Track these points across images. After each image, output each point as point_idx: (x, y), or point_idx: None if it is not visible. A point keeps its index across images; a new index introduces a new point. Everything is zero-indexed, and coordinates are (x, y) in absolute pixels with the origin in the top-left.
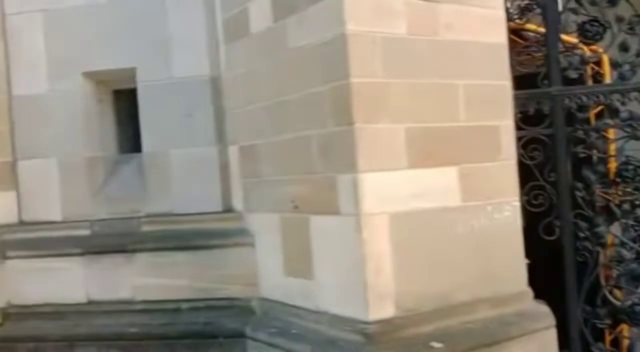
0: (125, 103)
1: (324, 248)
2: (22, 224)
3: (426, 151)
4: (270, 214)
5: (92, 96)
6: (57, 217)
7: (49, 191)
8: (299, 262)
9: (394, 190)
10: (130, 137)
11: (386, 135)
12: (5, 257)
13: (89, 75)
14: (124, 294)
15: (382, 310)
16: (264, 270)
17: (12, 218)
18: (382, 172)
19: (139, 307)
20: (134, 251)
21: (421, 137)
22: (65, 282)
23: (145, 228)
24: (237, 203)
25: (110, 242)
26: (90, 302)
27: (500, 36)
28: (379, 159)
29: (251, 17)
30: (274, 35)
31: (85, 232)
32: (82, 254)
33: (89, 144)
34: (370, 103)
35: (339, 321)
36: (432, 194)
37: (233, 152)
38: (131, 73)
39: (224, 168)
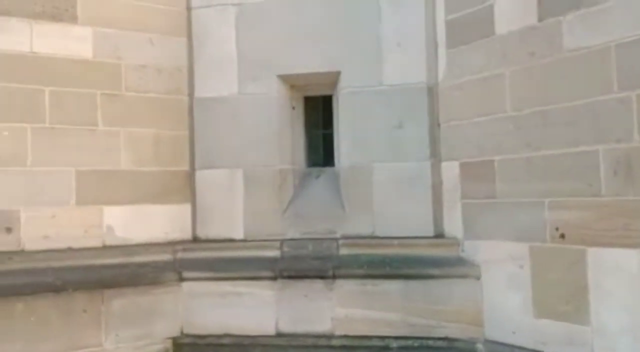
0: (314, 111)
1: (612, 288)
2: (196, 241)
3: None
4: (511, 243)
5: (286, 102)
6: (239, 235)
7: (231, 206)
8: (565, 302)
9: None
10: (317, 149)
11: None
12: (182, 279)
13: (284, 78)
14: (321, 326)
15: None
16: (495, 308)
17: (185, 234)
18: None
19: (338, 342)
20: (335, 276)
21: None
22: (250, 309)
23: (344, 251)
24: (452, 228)
25: (306, 265)
26: (280, 335)
27: None
28: None
29: (497, 15)
30: (537, 35)
31: (274, 253)
32: (272, 278)
33: (279, 155)
34: None
35: None
36: None
37: (449, 169)
38: (332, 78)
39: (437, 187)
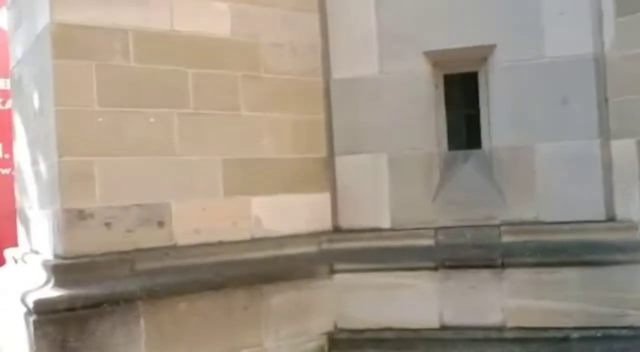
0: (455, 90)
1: None
2: (338, 231)
3: None
4: None
5: (429, 80)
6: (385, 223)
7: (376, 193)
8: None
9: None
10: (458, 131)
11: None
12: (333, 271)
13: (429, 54)
14: (491, 318)
15: None
16: None
17: (325, 224)
18: None
19: (511, 334)
20: (504, 265)
21: None
22: (411, 302)
23: (508, 238)
24: (625, 210)
25: (469, 255)
26: (445, 328)
27: None
28: None
29: None
30: None
31: (428, 242)
32: (432, 269)
33: (426, 138)
34: None
35: None
36: None
37: (621, 147)
38: (483, 53)
39: (606, 167)
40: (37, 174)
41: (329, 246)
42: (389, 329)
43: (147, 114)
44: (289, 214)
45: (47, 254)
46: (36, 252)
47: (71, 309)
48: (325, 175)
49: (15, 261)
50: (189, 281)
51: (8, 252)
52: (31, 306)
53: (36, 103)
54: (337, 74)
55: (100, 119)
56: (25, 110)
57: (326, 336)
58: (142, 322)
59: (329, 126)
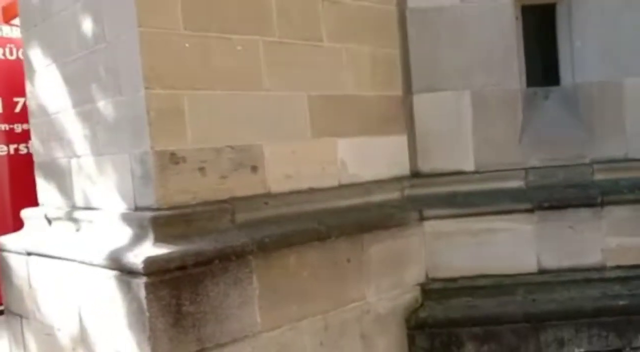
0: (533, 22)
1: None
2: (418, 175)
3: None
4: None
5: (512, 12)
6: (469, 166)
7: (459, 133)
8: None
9: None
10: (535, 66)
11: None
12: (422, 218)
13: None
14: (590, 259)
15: None
16: None
17: (404, 169)
18: None
19: (612, 274)
20: (603, 204)
21: None
22: (506, 246)
23: (600, 176)
24: None
25: (566, 195)
26: (543, 271)
27: None
28: None
29: None
30: None
31: (518, 184)
32: (528, 211)
33: (508, 73)
34: None
35: None
36: None
37: None
38: None
39: None
40: (88, 116)
41: (411, 191)
42: (484, 275)
43: (234, 41)
44: (370, 158)
45: (121, 207)
46: (89, 208)
47: (182, 268)
48: (403, 115)
49: (49, 221)
50: (297, 231)
51: (28, 213)
52: (139, 266)
53: (88, 29)
54: (413, 3)
55: (187, 45)
56: (58, 41)
57: (419, 286)
58: (254, 279)
59: (404, 61)
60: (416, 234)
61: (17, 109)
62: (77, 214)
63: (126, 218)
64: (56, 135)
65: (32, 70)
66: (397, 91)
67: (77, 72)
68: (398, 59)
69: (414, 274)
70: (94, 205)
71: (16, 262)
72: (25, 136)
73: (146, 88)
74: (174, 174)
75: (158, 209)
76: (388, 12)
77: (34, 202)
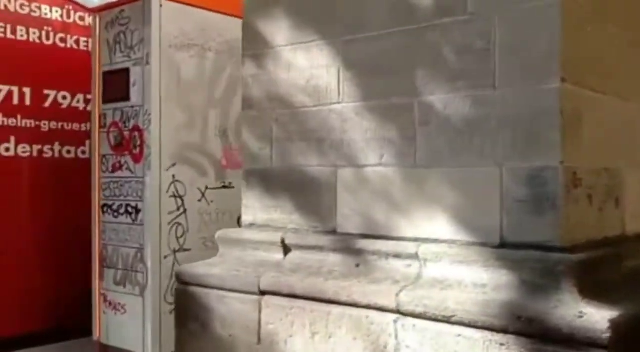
0: None
1: None
2: None
3: None
4: None
5: None
6: None
7: None
8: None
9: None
10: None
11: None
12: None
13: None
14: None
15: None
16: None
17: None
18: None
19: None
20: None
21: None
22: None
23: None
24: None
25: None
26: None
27: None
28: None
29: None
30: None
31: None
32: None
33: None
34: None
35: None
36: None
37: None
38: None
39: None
40: (400, 112)
41: None
42: None
43: None
44: None
45: (463, 238)
46: (375, 236)
47: None
48: None
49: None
50: None
51: (230, 235)
52: (601, 334)
53: None
54: None
55: (589, 29)
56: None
57: None
58: None
59: None
60: None
61: (47, 103)
62: (355, 243)
63: (504, 258)
64: (305, 135)
65: (265, 49)
66: None
67: (383, 54)
68: None
69: None
70: (383, 232)
71: (231, 304)
72: (52, 137)
73: (562, 81)
74: (573, 202)
75: (563, 249)
76: None
77: (56, 212)
